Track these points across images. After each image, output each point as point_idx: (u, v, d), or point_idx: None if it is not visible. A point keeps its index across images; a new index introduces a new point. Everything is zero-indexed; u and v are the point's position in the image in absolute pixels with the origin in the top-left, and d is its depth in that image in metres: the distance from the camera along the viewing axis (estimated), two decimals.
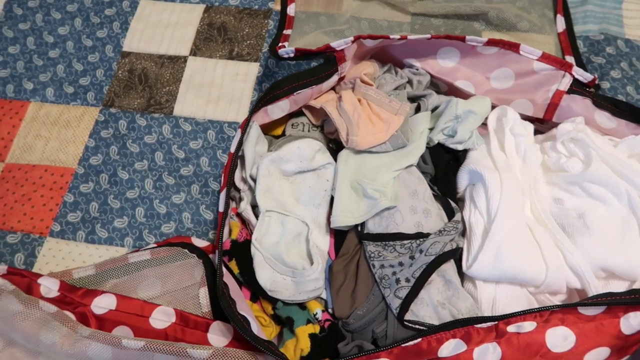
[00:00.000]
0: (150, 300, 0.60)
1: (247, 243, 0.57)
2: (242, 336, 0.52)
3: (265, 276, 0.55)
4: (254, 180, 0.59)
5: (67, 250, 0.66)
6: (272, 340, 0.57)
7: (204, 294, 0.60)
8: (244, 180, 0.61)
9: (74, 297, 0.60)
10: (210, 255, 0.63)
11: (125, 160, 0.71)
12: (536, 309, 0.48)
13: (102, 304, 0.59)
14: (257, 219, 0.58)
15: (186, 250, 0.63)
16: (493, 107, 0.62)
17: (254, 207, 0.60)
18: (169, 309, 0.59)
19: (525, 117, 0.63)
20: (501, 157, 0.57)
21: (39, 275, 0.60)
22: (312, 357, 0.53)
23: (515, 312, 0.48)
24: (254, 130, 0.60)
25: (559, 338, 0.50)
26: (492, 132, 0.60)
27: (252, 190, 0.60)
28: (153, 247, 0.64)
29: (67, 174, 0.71)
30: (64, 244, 0.66)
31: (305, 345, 0.53)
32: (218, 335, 0.57)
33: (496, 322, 0.49)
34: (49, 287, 0.60)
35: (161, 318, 0.58)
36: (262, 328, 0.56)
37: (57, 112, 0.75)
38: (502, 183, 0.54)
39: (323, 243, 0.58)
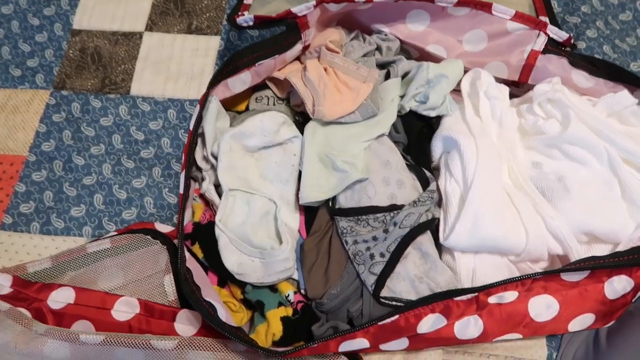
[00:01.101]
0: (112, 291, 0.57)
1: (211, 225, 0.54)
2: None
3: (232, 259, 0.52)
4: (216, 158, 0.56)
5: (21, 243, 0.61)
6: (244, 327, 0.54)
7: (169, 281, 0.57)
8: (206, 159, 0.57)
9: (28, 292, 0.56)
10: (175, 241, 0.59)
11: (80, 144, 0.67)
12: (517, 277, 0.46)
13: (60, 298, 0.55)
14: (220, 199, 0.55)
15: (149, 237, 0.59)
16: (466, 71, 0.58)
17: (217, 186, 0.56)
18: (132, 300, 0.55)
19: (500, 81, 0.60)
20: (476, 122, 0.54)
21: None
22: (285, 341, 0.50)
23: (495, 283, 0.46)
24: (213, 105, 0.56)
25: (542, 307, 0.48)
26: (465, 96, 0.57)
27: (214, 169, 0.56)
28: (113, 235, 0.60)
29: (18, 162, 0.66)
30: (17, 237, 0.62)
31: (277, 330, 0.50)
32: (185, 324, 0.54)
33: (476, 294, 0.46)
34: (1, 283, 0.56)
35: (124, 309, 0.55)
36: (232, 314, 0.53)
37: (3, 97, 0.70)
38: (478, 149, 0.51)
39: (292, 221, 0.55)
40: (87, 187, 0.64)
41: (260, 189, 0.55)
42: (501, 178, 0.51)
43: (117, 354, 0.50)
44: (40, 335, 0.51)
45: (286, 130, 0.57)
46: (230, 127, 0.58)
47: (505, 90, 0.57)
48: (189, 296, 0.48)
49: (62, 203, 0.63)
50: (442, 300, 0.46)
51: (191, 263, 0.52)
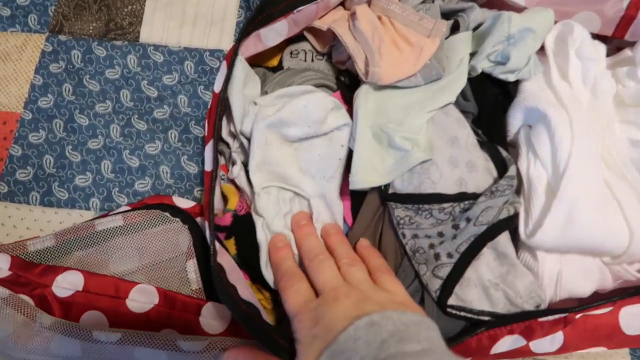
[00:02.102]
0: (125, 276, 0.50)
1: (249, 217, 0.46)
2: None
3: (269, 273, 0.44)
4: (246, 138, 0.46)
5: (19, 216, 0.54)
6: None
7: (192, 267, 0.50)
8: (233, 135, 0.48)
9: (30, 276, 0.48)
10: (198, 219, 0.51)
11: (83, 101, 0.57)
12: (622, 294, 0.38)
13: (66, 284, 0.48)
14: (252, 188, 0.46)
15: (167, 214, 0.51)
16: None
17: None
18: (150, 288, 0.48)
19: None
20: (565, 88, 0.44)
21: None
22: None
23: (597, 302, 0.38)
24: (240, 69, 0.46)
25: (637, 318, 0.41)
26: (551, 55, 0.46)
27: (244, 149, 0.47)
28: (126, 211, 0.52)
29: (12, 120, 0.57)
30: (15, 209, 0.54)
31: None
32: (213, 320, 0.47)
33: (566, 314, 0.39)
34: None
35: (141, 299, 0.48)
36: (267, 311, 0.46)
37: None
38: (572, 124, 0.41)
39: (330, 221, 0.47)
40: (93, 151, 0.55)
41: (298, 185, 0.46)
42: (600, 163, 0.41)
43: (136, 354, 0.44)
44: (45, 329, 0.45)
45: (334, 117, 0.46)
46: (263, 94, 0.48)
47: (602, 49, 0.46)
48: (224, 300, 0.40)
49: (65, 170, 0.55)
50: (526, 320, 0.38)
51: (223, 256, 0.44)
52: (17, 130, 0.56)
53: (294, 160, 0.47)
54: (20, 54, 0.59)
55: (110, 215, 0.52)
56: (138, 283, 0.48)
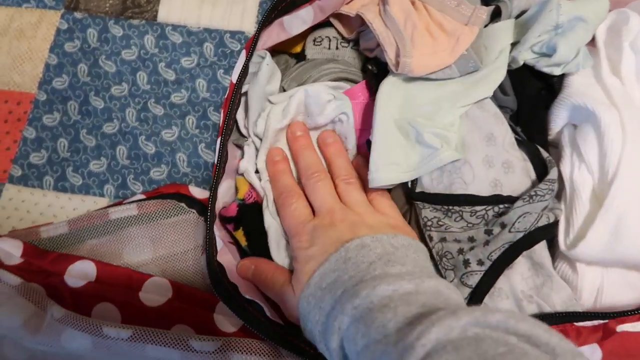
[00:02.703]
0: (138, 267, 0.48)
1: (257, 205, 0.43)
2: None
3: (282, 254, 0.42)
4: (260, 139, 0.44)
5: (33, 200, 0.52)
6: None
7: None
8: (248, 129, 0.46)
9: (42, 264, 0.48)
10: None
11: (99, 83, 0.55)
12: None
13: (79, 274, 0.47)
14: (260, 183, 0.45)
15: (183, 204, 0.50)
16: None
17: None
18: (163, 281, 0.47)
19: None
20: (616, 85, 0.40)
21: None
22: None
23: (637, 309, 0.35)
24: (265, 71, 0.43)
25: None
26: (602, 47, 0.42)
27: (255, 146, 0.45)
28: (141, 199, 0.51)
29: (26, 101, 0.55)
30: (28, 193, 0.52)
31: None
32: (228, 317, 0.45)
33: (606, 321, 0.36)
34: (10, 251, 0.48)
35: (154, 292, 0.47)
36: None
37: (6, 17, 0.57)
38: (625, 126, 0.37)
39: None
40: (108, 136, 0.53)
41: None
42: None
43: (147, 351, 0.43)
44: (56, 321, 0.44)
45: (332, 108, 0.44)
46: (281, 90, 0.46)
47: None
48: (224, 300, 0.39)
49: (79, 154, 0.53)
50: (561, 324, 0.35)
51: (224, 256, 0.42)
52: (31, 111, 0.54)
53: None
54: (35, 32, 0.56)
55: (125, 203, 0.50)
56: (152, 275, 0.47)
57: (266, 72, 0.43)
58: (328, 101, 0.45)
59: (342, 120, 0.45)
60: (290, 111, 0.45)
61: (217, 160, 0.44)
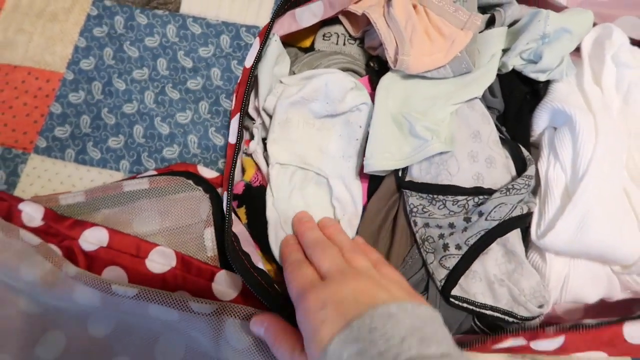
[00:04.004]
0: (146, 237, 0.52)
1: (262, 190, 0.47)
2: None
3: (279, 246, 0.45)
4: (268, 115, 0.47)
5: (54, 170, 0.56)
6: None
7: (209, 235, 0.52)
8: (257, 110, 0.49)
9: (60, 228, 0.51)
10: (219, 189, 0.53)
11: (122, 66, 0.59)
12: (631, 317, 0.38)
13: (92, 239, 0.51)
14: (268, 166, 0.47)
15: (191, 182, 0.53)
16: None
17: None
18: (168, 251, 0.50)
19: (630, 42, 0.47)
20: (596, 93, 0.43)
21: (21, 200, 0.51)
22: None
23: (599, 322, 0.38)
24: (273, 48, 0.46)
25: None
26: (586, 58, 0.45)
27: (266, 127, 0.48)
28: (152, 175, 0.54)
29: (54, 79, 0.59)
30: (51, 163, 0.57)
31: None
32: (225, 287, 0.48)
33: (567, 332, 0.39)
34: (32, 215, 0.51)
35: (159, 261, 0.50)
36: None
37: (42, 1, 0.62)
38: (598, 130, 0.40)
39: (347, 199, 0.47)
40: (127, 115, 0.58)
41: (316, 165, 0.47)
42: (622, 171, 0.41)
43: (150, 310, 0.46)
44: (70, 277, 0.47)
45: (353, 96, 0.47)
46: (291, 74, 0.49)
47: None
48: (237, 267, 0.42)
49: (100, 131, 0.57)
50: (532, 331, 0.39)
51: (237, 226, 0.45)
52: (58, 89, 0.59)
53: (314, 140, 0.48)
54: (67, 16, 0.61)
55: (138, 177, 0.54)
56: (158, 245, 0.51)
57: (275, 48, 0.46)
58: (350, 89, 0.47)
59: (361, 110, 0.48)
60: (305, 91, 0.46)
61: (236, 138, 0.46)
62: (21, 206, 0.51)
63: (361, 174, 0.48)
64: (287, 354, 0.36)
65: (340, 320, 0.32)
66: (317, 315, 0.34)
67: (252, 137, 0.51)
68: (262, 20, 0.59)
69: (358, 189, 0.48)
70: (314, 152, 0.47)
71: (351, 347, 0.30)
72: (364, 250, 0.42)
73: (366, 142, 0.47)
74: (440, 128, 0.44)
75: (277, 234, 0.47)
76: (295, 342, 0.37)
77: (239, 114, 0.46)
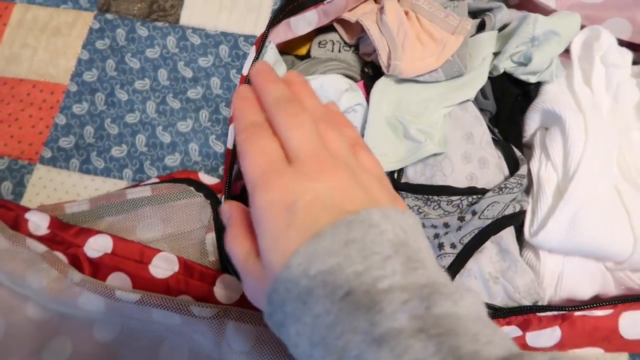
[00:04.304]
0: (149, 243, 0.53)
1: None
2: None
3: None
4: None
5: (60, 180, 0.58)
6: None
7: (210, 240, 0.53)
8: None
9: (65, 236, 0.52)
10: (220, 195, 0.54)
11: (124, 77, 0.61)
12: (623, 299, 0.38)
13: (97, 246, 0.52)
14: None
15: (192, 189, 0.54)
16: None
17: None
18: (171, 256, 0.51)
19: (618, 43, 0.48)
20: (586, 94, 0.44)
21: (27, 209, 0.53)
22: None
23: (594, 304, 0.38)
24: (270, 55, 0.48)
25: (637, 323, 0.41)
26: (575, 60, 0.46)
27: None
28: (155, 183, 0.56)
29: (58, 91, 0.61)
30: (56, 173, 0.58)
31: None
32: (226, 290, 0.50)
33: (565, 312, 0.39)
34: (38, 223, 0.53)
35: (162, 266, 0.51)
36: None
37: (45, 16, 0.64)
38: (588, 129, 0.41)
39: None
40: (130, 125, 0.59)
41: None
42: (612, 170, 0.42)
43: (153, 314, 0.47)
44: (75, 285, 0.49)
45: (348, 98, 0.48)
46: None
47: (628, 57, 0.46)
48: (233, 269, 0.43)
49: (103, 141, 0.59)
50: (524, 314, 0.39)
51: None
52: (62, 100, 0.60)
53: None
54: (70, 30, 0.63)
55: (141, 185, 0.55)
56: (161, 251, 0.52)
57: (271, 55, 0.48)
58: (345, 90, 0.48)
59: (356, 111, 0.48)
60: None
61: (234, 143, 0.47)
62: (27, 215, 0.53)
63: None
64: (240, 257, 0.29)
65: (310, 226, 0.25)
66: (282, 216, 0.26)
67: None
68: (260, 30, 0.61)
69: None
70: None
71: (321, 262, 0.24)
72: (339, 123, 0.32)
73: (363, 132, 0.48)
74: (434, 130, 0.45)
75: None
76: (252, 244, 0.29)
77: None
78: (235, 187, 0.49)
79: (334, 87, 0.47)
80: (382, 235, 0.25)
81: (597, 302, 0.40)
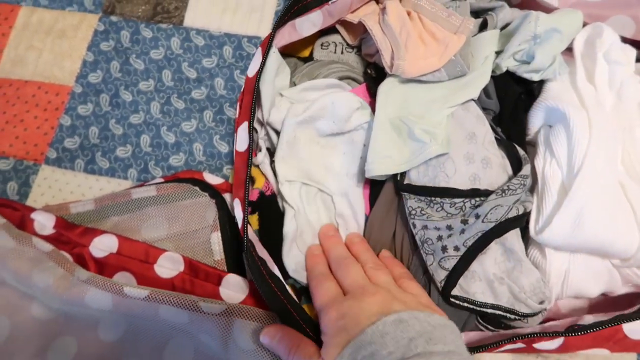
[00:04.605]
0: (154, 242, 0.53)
1: (274, 198, 0.48)
2: (259, 292, 0.45)
3: (291, 255, 0.47)
4: (273, 129, 0.49)
5: (65, 180, 0.58)
6: None
7: (216, 239, 0.53)
8: (261, 123, 0.51)
9: (71, 235, 0.53)
10: (225, 195, 0.54)
11: (129, 78, 0.61)
12: (624, 316, 0.38)
13: (102, 246, 0.52)
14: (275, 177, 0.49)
15: (197, 188, 0.55)
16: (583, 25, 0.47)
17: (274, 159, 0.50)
18: (176, 256, 0.52)
19: (622, 41, 0.48)
20: (589, 91, 0.44)
21: (33, 210, 0.53)
22: None
23: (596, 323, 0.39)
24: (273, 60, 0.48)
25: None
26: (578, 57, 0.46)
27: (270, 139, 0.50)
28: (159, 182, 0.56)
29: (63, 92, 0.61)
30: (61, 174, 0.58)
31: None
32: (232, 290, 0.50)
33: (568, 335, 0.40)
34: (44, 223, 0.53)
35: (168, 266, 0.51)
36: None
37: (51, 18, 0.64)
38: (592, 126, 0.41)
39: (349, 214, 0.49)
40: (134, 126, 0.59)
41: (322, 182, 0.49)
42: (617, 166, 0.42)
43: (160, 311, 0.47)
44: (82, 282, 0.49)
45: (358, 116, 0.49)
46: (292, 86, 0.50)
47: (631, 53, 0.46)
48: (253, 274, 0.43)
49: (108, 141, 0.59)
50: (529, 338, 0.40)
51: (252, 234, 0.47)
52: (67, 102, 0.61)
53: (319, 157, 0.49)
54: (75, 32, 0.63)
55: (146, 185, 0.56)
56: (166, 250, 0.52)
57: (274, 60, 0.48)
58: (357, 109, 0.49)
59: (365, 129, 0.50)
60: (312, 110, 0.48)
61: (248, 143, 0.47)
62: (33, 215, 0.53)
63: (364, 183, 0.49)
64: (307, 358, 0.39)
65: (355, 328, 0.36)
66: (336, 324, 0.38)
67: (255, 148, 0.52)
68: (264, 31, 0.61)
69: (361, 205, 0.49)
70: (319, 170, 0.49)
71: (364, 349, 0.34)
72: (390, 264, 0.45)
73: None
74: (438, 130, 0.45)
75: (292, 247, 0.48)
76: (312, 349, 0.39)
77: (247, 122, 0.47)
78: (252, 194, 0.49)
79: (345, 105, 0.48)
80: (410, 327, 0.35)
81: (597, 322, 0.40)
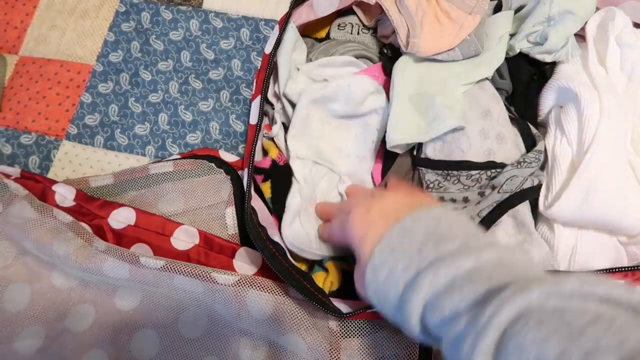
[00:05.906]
0: (171, 217, 0.54)
1: (287, 169, 0.49)
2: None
3: (293, 227, 0.47)
4: (288, 100, 0.50)
5: (85, 155, 0.60)
6: None
7: (230, 214, 0.54)
8: (277, 97, 0.52)
9: (90, 208, 0.54)
10: (240, 172, 0.55)
11: (148, 58, 0.63)
12: (630, 267, 0.39)
13: (121, 218, 0.54)
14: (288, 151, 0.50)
15: (213, 165, 0.56)
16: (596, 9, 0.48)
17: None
18: (191, 229, 0.53)
19: (634, 25, 0.49)
20: (601, 72, 0.45)
21: (54, 182, 0.55)
22: (342, 292, 0.46)
23: (602, 269, 0.39)
24: (291, 34, 0.49)
25: None
26: (590, 40, 0.47)
27: (286, 112, 0.51)
28: (176, 159, 0.57)
29: (85, 71, 0.63)
30: (81, 149, 0.60)
31: (335, 279, 0.46)
32: (245, 263, 0.51)
33: None
34: (65, 195, 0.55)
35: (183, 238, 0.53)
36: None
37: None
38: (602, 105, 0.42)
39: None
40: (153, 104, 0.61)
41: (332, 162, 0.50)
42: (626, 145, 0.43)
43: (175, 281, 0.49)
44: (100, 252, 0.50)
45: (373, 100, 0.50)
46: (308, 61, 0.51)
47: None
48: (253, 237, 0.44)
49: (127, 119, 0.61)
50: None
51: (256, 202, 0.48)
52: (89, 80, 0.62)
53: (331, 137, 0.50)
54: (97, 12, 0.65)
55: (163, 161, 0.57)
56: (182, 224, 0.53)
57: (292, 35, 0.49)
58: (371, 92, 0.50)
59: (379, 113, 0.51)
60: (328, 90, 0.49)
61: (257, 118, 0.49)
62: (55, 187, 0.54)
63: (377, 155, 0.50)
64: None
65: (388, 219, 0.35)
66: (365, 218, 0.37)
67: (272, 121, 0.53)
68: (281, 14, 0.62)
69: (369, 187, 0.50)
70: (331, 150, 0.50)
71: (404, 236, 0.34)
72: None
73: (381, 144, 0.50)
74: (456, 105, 0.46)
75: (294, 220, 0.48)
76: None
77: (259, 96, 0.49)
78: (264, 162, 0.50)
79: (360, 88, 0.49)
80: (414, 234, 0.34)
81: (602, 269, 0.41)
